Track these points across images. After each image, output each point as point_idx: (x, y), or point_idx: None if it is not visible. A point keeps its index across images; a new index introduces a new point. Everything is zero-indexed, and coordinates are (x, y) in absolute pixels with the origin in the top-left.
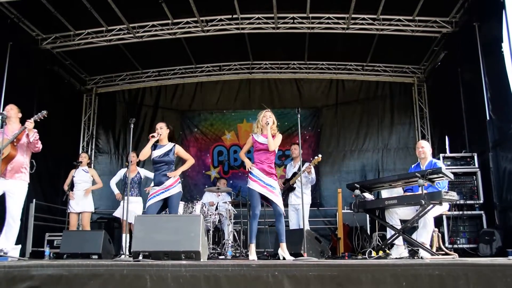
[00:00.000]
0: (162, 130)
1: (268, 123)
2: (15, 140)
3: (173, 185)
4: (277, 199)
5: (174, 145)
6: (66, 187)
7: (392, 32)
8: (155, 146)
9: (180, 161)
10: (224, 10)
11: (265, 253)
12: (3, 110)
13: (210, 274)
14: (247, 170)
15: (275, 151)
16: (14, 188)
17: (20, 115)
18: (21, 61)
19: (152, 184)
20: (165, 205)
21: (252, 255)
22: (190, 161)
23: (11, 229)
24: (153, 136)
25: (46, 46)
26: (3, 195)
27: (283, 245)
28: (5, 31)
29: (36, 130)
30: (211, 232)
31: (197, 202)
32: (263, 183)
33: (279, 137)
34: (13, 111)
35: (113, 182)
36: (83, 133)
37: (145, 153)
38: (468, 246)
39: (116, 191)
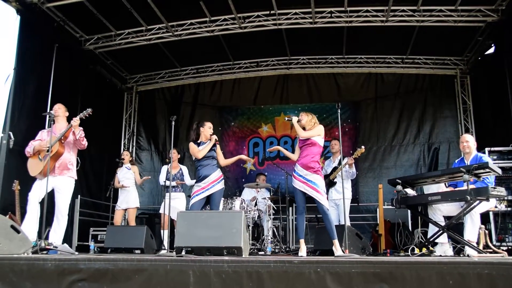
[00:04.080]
0: (210, 129)
1: (291, 119)
2: (62, 137)
3: (217, 180)
4: (319, 195)
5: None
6: (119, 185)
7: (433, 24)
8: (199, 144)
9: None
10: (261, 6)
11: None
12: (51, 109)
13: (252, 270)
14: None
15: (319, 145)
16: (62, 184)
17: (67, 113)
18: (66, 62)
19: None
20: (207, 201)
21: (302, 251)
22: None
23: (60, 223)
24: (215, 140)
25: (89, 46)
26: (52, 191)
27: (335, 241)
28: (51, 33)
29: (81, 128)
30: (250, 228)
31: (236, 198)
32: (304, 178)
33: (315, 129)
34: (60, 110)
35: (162, 180)
36: (124, 131)
37: (204, 152)
38: None
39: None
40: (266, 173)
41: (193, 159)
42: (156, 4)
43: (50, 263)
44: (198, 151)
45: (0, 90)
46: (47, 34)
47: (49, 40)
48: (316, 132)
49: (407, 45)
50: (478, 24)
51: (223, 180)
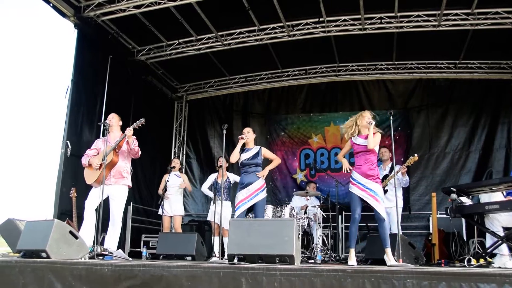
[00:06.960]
0: (249, 134)
1: (372, 123)
2: (116, 147)
3: (260, 189)
4: (377, 204)
5: (260, 147)
6: (161, 191)
7: (488, 27)
8: (242, 150)
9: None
10: (310, 13)
11: None
12: (105, 119)
13: (305, 278)
14: (343, 171)
15: (375, 152)
16: (116, 192)
17: (120, 123)
18: (119, 72)
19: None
20: (250, 208)
21: (351, 260)
22: (277, 160)
23: (115, 230)
24: (242, 138)
25: (141, 57)
26: (107, 198)
27: (387, 250)
28: (106, 46)
29: (135, 137)
30: (300, 236)
31: (286, 206)
32: (363, 186)
33: (378, 136)
34: (114, 120)
35: (205, 187)
36: (175, 139)
37: (236, 155)
38: None
39: (210, 193)
40: (317, 184)
41: (239, 165)
42: (205, 14)
43: (107, 269)
44: (231, 156)
45: (61, 102)
46: (102, 46)
47: (104, 52)
48: (378, 141)
49: (460, 50)
50: None
51: (266, 189)
